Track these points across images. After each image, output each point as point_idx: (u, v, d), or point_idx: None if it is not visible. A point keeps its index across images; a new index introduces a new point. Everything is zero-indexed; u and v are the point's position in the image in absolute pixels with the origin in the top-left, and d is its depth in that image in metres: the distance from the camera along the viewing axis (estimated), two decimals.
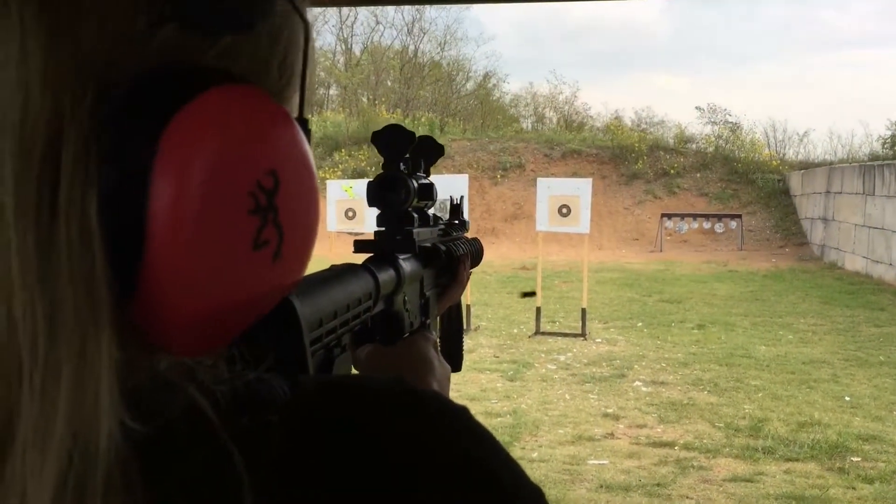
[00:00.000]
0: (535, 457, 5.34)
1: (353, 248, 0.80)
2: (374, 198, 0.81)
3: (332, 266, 0.67)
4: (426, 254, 0.88)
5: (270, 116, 0.34)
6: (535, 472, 4.97)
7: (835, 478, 4.86)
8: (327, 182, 11.32)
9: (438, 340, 1.07)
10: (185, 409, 0.32)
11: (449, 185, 10.01)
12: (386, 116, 25.50)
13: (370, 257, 0.77)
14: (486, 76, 32.38)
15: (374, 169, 21.44)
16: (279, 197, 0.34)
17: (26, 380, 0.28)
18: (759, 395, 6.92)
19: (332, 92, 32.56)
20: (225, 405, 0.33)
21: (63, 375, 0.28)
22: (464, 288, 1.01)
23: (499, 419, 6.22)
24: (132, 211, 0.30)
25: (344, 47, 32.50)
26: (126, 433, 0.30)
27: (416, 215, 0.83)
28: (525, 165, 21.75)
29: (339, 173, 21.39)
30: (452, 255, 0.96)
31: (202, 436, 0.32)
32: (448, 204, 1.15)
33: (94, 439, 0.29)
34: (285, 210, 0.35)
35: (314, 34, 0.42)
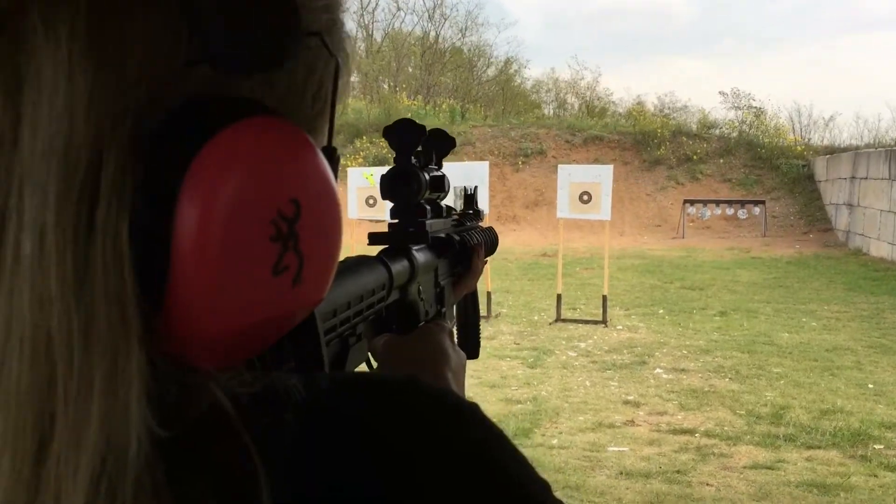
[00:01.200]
0: (554, 444, 5.36)
1: (367, 241, 0.82)
2: (387, 191, 0.82)
3: (347, 258, 0.68)
4: (440, 244, 0.89)
5: (295, 147, 0.36)
6: (554, 459, 4.99)
7: (857, 465, 4.84)
8: (348, 169, 11.35)
9: (455, 328, 1.09)
10: (207, 411, 0.34)
11: (469, 172, 10.01)
12: (407, 103, 25.47)
13: (384, 249, 0.78)
14: (508, 62, 32.25)
15: (394, 156, 21.47)
16: (300, 225, 0.36)
17: (62, 388, 0.29)
18: (781, 382, 6.89)
19: (353, 79, 32.53)
20: (245, 405, 0.34)
21: (96, 385, 0.30)
22: (478, 277, 1.02)
23: (519, 406, 6.24)
24: (160, 234, 0.32)
25: (365, 34, 32.45)
26: (153, 437, 0.31)
27: (428, 207, 0.84)
28: (546, 152, 21.67)
29: (360, 160, 21.42)
30: (466, 245, 0.97)
31: (224, 437, 0.34)
32: (463, 193, 1.16)
33: (124, 444, 0.30)
34: (306, 237, 0.36)
35: (350, 63, 0.43)
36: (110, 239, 0.31)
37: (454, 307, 0.99)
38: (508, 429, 5.56)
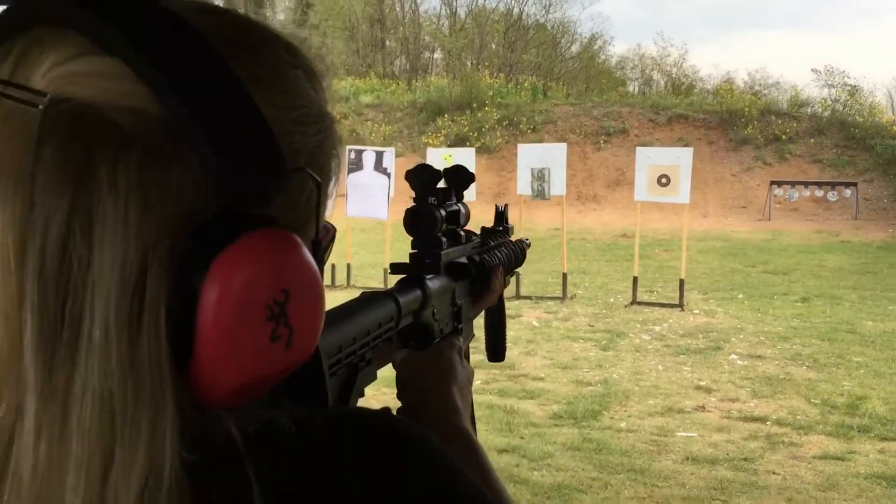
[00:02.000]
0: (622, 427, 5.43)
1: (389, 270, 0.95)
2: (407, 227, 0.95)
3: (363, 293, 0.81)
4: (455, 269, 1.01)
5: (285, 250, 0.49)
6: (621, 443, 5.07)
7: None
8: (428, 150, 11.51)
9: (485, 333, 1.21)
10: (221, 442, 0.46)
11: (545, 154, 10.05)
12: (489, 81, 25.45)
13: (401, 280, 0.91)
14: (592, 38, 31.86)
15: (475, 134, 21.54)
16: (289, 306, 0.49)
17: (119, 430, 0.43)
18: (861, 371, 6.76)
19: (436, 56, 32.70)
20: (250, 436, 0.47)
21: (143, 426, 0.43)
22: (498, 294, 1.14)
23: (589, 388, 6.31)
24: (189, 318, 0.45)
25: (448, 11, 32.51)
26: (182, 461, 0.44)
27: (444, 239, 0.97)
28: (629, 131, 21.40)
29: (442, 138, 21.58)
30: (484, 266, 1.09)
31: (231, 464, 0.46)
32: (495, 210, 1.27)
33: (161, 466, 0.43)
34: (294, 314, 0.49)
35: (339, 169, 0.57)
36: (153, 325, 0.44)
37: (472, 322, 1.11)
38: (576, 411, 5.67)
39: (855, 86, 23.28)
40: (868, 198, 18.38)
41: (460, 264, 1.02)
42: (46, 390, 0.42)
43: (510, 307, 8.51)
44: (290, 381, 0.52)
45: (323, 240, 0.57)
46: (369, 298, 0.81)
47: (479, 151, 15.90)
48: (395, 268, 0.94)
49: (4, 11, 0.48)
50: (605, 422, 5.55)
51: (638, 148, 10.48)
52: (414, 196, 0.95)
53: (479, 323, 1.19)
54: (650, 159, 9.53)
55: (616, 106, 22.53)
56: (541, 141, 18.39)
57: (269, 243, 0.48)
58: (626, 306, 9.57)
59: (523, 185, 10.01)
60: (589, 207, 19.14)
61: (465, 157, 10.30)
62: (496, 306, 1.18)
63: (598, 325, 8.63)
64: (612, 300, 10.00)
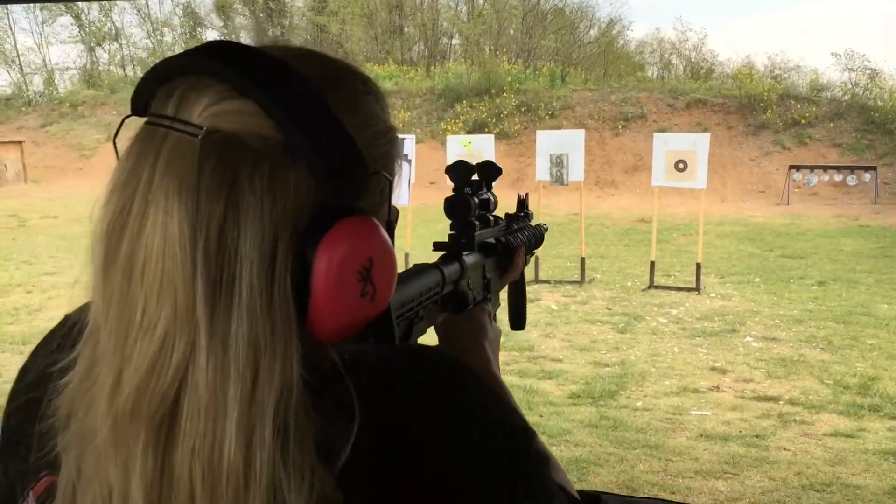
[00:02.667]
0: (639, 406, 5.60)
1: (432, 248, 1.14)
2: (447, 212, 1.14)
3: (415, 265, 1.01)
4: (486, 248, 1.21)
5: (370, 230, 0.68)
6: (637, 421, 5.24)
7: None
8: (447, 137, 11.65)
9: (508, 304, 1.40)
10: (328, 367, 0.65)
11: (563, 141, 10.17)
12: (507, 67, 25.52)
13: (442, 255, 1.11)
14: (611, 23, 31.77)
15: (494, 120, 21.65)
16: (373, 270, 0.68)
17: (262, 357, 0.61)
18: (874, 353, 6.89)
19: (454, 42, 32.74)
20: (347, 361, 0.66)
21: (277, 354, 0.61)
22: (520, 270, 1.33)
23: (607, 369, 6.48)
24: (306, 280, 0.64)
25: None
26: (304, 380, 0.63)
27: (477, 222, 1.15)
28: (647, 116, 21.44)
29: (461, 125, 21.71)
30: (509, 247, 1.27)
31: (336, 381, 0.65)
32: (517, 199, 1.45)
33: (291, 383, 0.62)
34: (376, 276, 0.68)
35: (402, 162, 0.77)
36: (282, 285, 0.62)
37: (499, 293, 1.30)
38: (594, 391, 5.85)
39: (875, 69, 23.16)
40: (888, 182, 18.35)
41: (490, 244, 1.21)
42: (212, 332, 0.61)
43: (530, 290, 8.68)
44: (372, 328, 0.71)
45: (393, 221, 0.76)
46: (421, 269, 1.01)
47: (497, 137, 16.02)
48: (438, 246, 1.13)
49: (168, 61, 0.68)
50: (621, 401, 5.72)
51: (655, 134, 10.59)
52: (453, 186, 1.13)
53: (503, 296, 1.37)
54: (668, 145, 9.64)
55: (634, 91, 22.56)
56: (559, 127, 18.51)
57: (358, 226, 0.67)
58: (643, 290, 9.72)
59: (542, 170, 10.15)
60: (607, 193, 19.24)
61: (484, 143, 10.45)
62: (518, 281, 1.37)
63: (616, 309, 8.79)
64: (629, 284, 10.15)
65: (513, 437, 0.69)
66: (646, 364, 6.67)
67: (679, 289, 9.70)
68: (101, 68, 32.40)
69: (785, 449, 4.76)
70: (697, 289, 9.49)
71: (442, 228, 1.12)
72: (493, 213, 1.24)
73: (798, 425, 5.18)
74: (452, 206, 1.14)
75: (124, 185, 0.64)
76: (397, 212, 0.81)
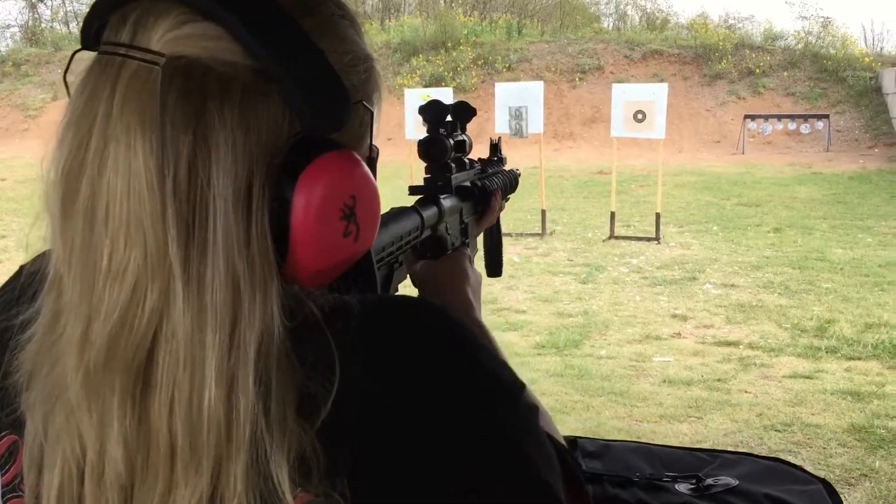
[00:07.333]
0: (602, 354, 5.66)
1: (407, 192, 1.09)
2: (422, 154, 1.09)
3: (392, 208, 0.96)
4: (463, 192, 1.16)
5: (351, 166, 0.63)
6: (601, 368, 5.30)
7: (894, 375, 5.03)
8: (405, 91, 11.51)
9: (483, 252, 1.37)
10: (308, 315, 0.60)
11: (523, 92, 10.11)
12: (463, 20, 25.21)
13: (419, 199, 1.06)
14: None
15: (451, 74, 21.44)
16: (357, 208, 0.63)
17: (242, 300, 0.56)
18: (830, 297, 7.03)
19: None
20: (327, 312, 0.61)
21: (257, 298, 0.57)
22: (497, 214, 1.29)
23: (570, 319, 6.53)
24: (284, 218, 0.59)
25: None
26: (284, 326, 0.58)
27: (453, 165, 1.11)
28: (604, 67, 21.39)
29: (417, 79, 21.46)
30: (486, 191, 1.23)
31: (317, 331, 0.59)
32: (489, 143, 1.40)
33: (271, 328, 0.57)
34: (360, 214, 0.63)
35: (382, 91, 0.72)
36: (260, 224, 0.58)
37: (477, 238, 1.26)
38: (558, 341, 5.89)
39: (828, 17, 23.35)
40: (840, 129, 18.61)
41: (467, 187, 1.17)
42: (186, 276, 0.56)
43: None
44: (353, 273, 0.67)
45: (374, 158, 0.73)
46: (399, 212, 0.96)
47: (455, 91, 15.87)
48: (413, 189, 1.08)
49: None
50: (585, 350, 5.78)
51: (613, 85, 10.57)
52: (427, 128, 1.09)
53: (478, 243, 1.34)
54: (626, 95, 9.64)
55: (591, 43, 22.45)
56: (517, 80, 18.36)
57: (340, 161, 0.62)
58: (603, 241, 9.79)
59: (501, 123, 10.09)
60: (566, 145, 19.24)
61: (442, 96, 10.32)
62: (494, 226, 1.33)
63: (577, 260, 8.84)
64: (590, 235, 10.21)
65: (502, 389, 0.64)
66: (608, 313, 6.73)
67: (639, 239, 9.79)
68: (43, 25, 31.35)
69: (746, 391, 4.85)
70: (657, 238, 9.58)
71: (402, 185, 1.09)
72: (468, 157, 1.20)
73: (758, 368, 5.28)
74: (428, 148, 1.09)
75: (79, 122, 0.58)
76: (377, 150, 0.76)
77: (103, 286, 0.57)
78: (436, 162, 1.09)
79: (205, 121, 0.57)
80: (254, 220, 0.58)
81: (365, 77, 0.71)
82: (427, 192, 1.08)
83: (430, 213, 1.03)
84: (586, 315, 6.65)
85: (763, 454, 1.53)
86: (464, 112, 1.13)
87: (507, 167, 1.44)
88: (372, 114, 0.71)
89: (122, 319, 0.56)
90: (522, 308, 6.92)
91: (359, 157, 0.65)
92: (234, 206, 0.57)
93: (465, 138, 1.15)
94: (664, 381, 5.04)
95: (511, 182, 1.38)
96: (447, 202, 1.09)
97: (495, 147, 1.38)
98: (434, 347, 0.62)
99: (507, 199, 1.39)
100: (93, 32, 0.62)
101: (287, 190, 0.60)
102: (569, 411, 4.53)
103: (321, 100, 0.62)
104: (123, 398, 0.56)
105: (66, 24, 31.74)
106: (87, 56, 0.63)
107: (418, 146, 1.09)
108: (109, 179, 0.57)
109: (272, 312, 0.58)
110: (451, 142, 1.10)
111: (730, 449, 2.22)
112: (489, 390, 0.63)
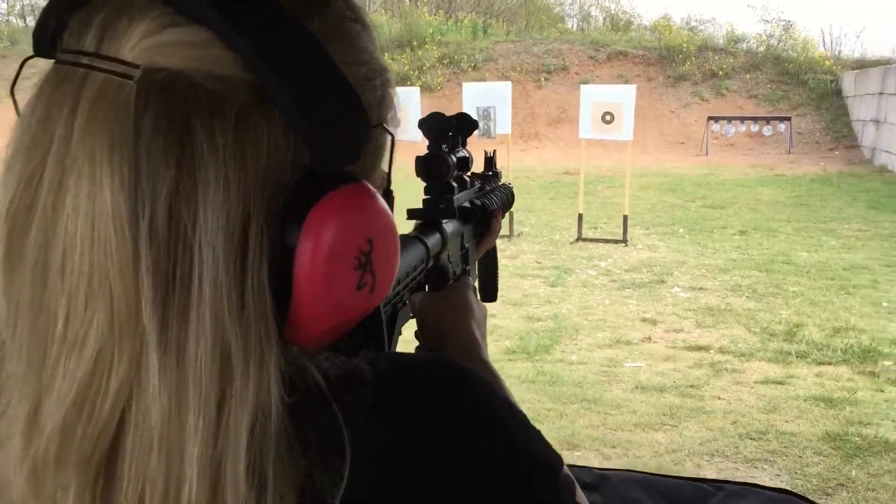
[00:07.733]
0: (573, 359, 5.59)
1: (406, 216, 0.98)
2: (421, 172, 0.98)
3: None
4: (464, 213, 1.05)
5: (368, 202, 0.52)
6: (573, 374, 5.23)
7: (864, 381, 5.03)
8: None
9: (479, 275, 1.26)
10: (311, 385, 0.50)
11: (491, 92, 10.03)
12: (428, 18, 25.09)
13: (419, 224, 0.95)
14: None
15: (416, 73, 21.31)
16: (373, 254, 0.52)
17: (233, 373, 0.45)
18: (797, 300, 7.05)
19: None
20: (334, 380, 0.50)
21: (251, 370, 0.46)
22: (497, 235, 1.18)
23: (540, 323, 6.46)
24: (287, 270, 0.48)
25: None
26: (283, 402, 0.47)
27: (455, 184, 1.00)
28: (570, 68, 21.42)
29: None
30: (487, 210, 1.13)
31: (321, 405, 0.49)
32: (484, 156, 1.30)
33: (268, 405, 0.47)
34: (377, 262, 0.52)
35: (398, 112, 0.60)
36: (257, 279, 0.47)
37: (476, 263, 1.15)
38: (529, 346, 5.81)
39: (789, 20, 23.64)
40: (801, 132, 18.83)
41: (469, 208, 1.06)
42: (164, 344, 0.45)
43: None
44: (358, 325, 0.56)
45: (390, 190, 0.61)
46: (402, 244, 0.85)
47: (422, 90, 15.76)
48: (412, 213, 0.97)
49: None
50: (556, 355, 5.70)
51: (582, 86, 10.54)
52: (427, 144, 0.97)
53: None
54: (594, 97, 9.59)
55: (556, 43, 22.47)
56: (482, 79, 18.30)
57: (356, 197, 0.51)
58: (571, 243, 9.74)
59: None
60: (531, 146, 19.21)
61: (409, 96, 10.21)
62: (490, 251, 1.22)
63: (546, 262, 8.78)
64: (557, 237, 10.16)
65: (539, 468, 0.55)
66: (578, 317, 6.67)
67: (607, 241, 9.76)
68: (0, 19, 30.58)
69: (719, 398, 4.81)
70: (625, 241, 9.56)
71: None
72: (469, 174, 1.09)
73: (730, 374, 5.25)
74: (428, 166, 0.97)
75: (30, 149, 0.46)
76: (394, 195, 0.65)
77: (57, 357, 0.45)
78: (437, 181, 0.98)
79: (190, 150, 0.45)
80: (249, 274, 0.47)
81: (381, 94, 0.60)
82: (427, 216, 0.97)
83: (433, 241, 0.92)
84: (556, 319, 6.58)
85: (747, 465, 1.44)
86: (466, 125, 1.02)
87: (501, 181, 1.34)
88: (391, 138, 0.60)
89: (81, 399, 0.45)
90: (492, 312, 6.74)
91: (374, 191, 0.53)
92: (224, 255, 0.46)
93: (467, 154, 1.04)
94: (637, 388, 4.99)
95: (508, 199, 1.28)
96: (449, 227, 0.98)
97: (490, 161, 1.28)
98: (465, 428, 0.52)
99: (503, 217, 1.28)
100: (49, 35, 0.50)
101: (291, 235, 0.48)
102: (542, 420, 4.44)
103: (334, 124, 0.51)
104: (80, 497, 0.45)
105: (23, 17, 31.01)
106: (42, 64, 0.51)
107: (417, 163, 0.97)
108: (68, 222, 0.45)
109: (269, 386, 0.47)
110: (454, 159, 0.98)
111: (734, 480, 2.13)
112: (528, 475, 0.53)
